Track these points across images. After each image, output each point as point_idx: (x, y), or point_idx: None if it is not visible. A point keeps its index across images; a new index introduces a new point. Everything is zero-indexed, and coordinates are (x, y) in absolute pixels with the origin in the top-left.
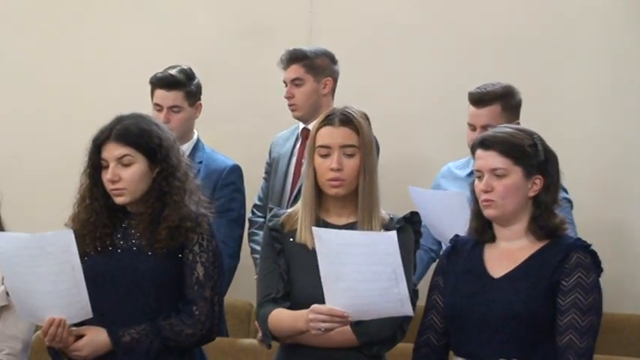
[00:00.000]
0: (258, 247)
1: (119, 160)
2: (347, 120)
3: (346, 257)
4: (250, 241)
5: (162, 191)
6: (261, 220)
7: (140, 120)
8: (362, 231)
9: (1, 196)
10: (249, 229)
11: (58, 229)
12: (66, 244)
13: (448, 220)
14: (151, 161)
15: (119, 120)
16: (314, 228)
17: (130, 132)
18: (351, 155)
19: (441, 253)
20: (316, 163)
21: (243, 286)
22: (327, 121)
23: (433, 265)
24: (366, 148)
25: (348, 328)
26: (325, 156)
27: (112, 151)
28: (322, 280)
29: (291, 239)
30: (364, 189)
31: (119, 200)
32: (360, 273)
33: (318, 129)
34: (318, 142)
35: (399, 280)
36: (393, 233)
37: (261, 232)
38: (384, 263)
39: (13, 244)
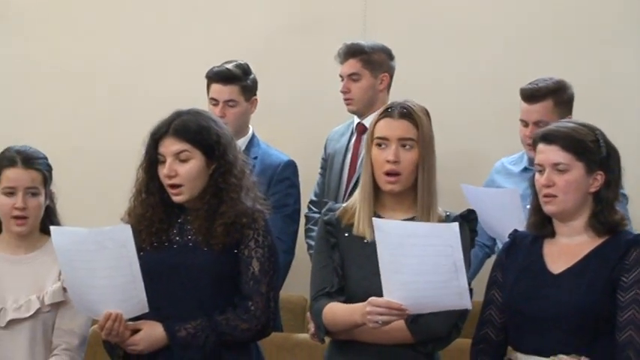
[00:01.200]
0: (313, 243)
1: (176, 155)
2: (407, 113)
3: (406, 249)
4: (307, 237)
5: (219, 188)
6: (318, 215)
7: (198, 116)
8: (422, 222)
9: (57, 191)
10: (306, 225)
11: (114, 224)
12: (123, 239)
13: (501, 217)
14: (208, 158)
15: (177, 115)
16: (374, 219)
17: (189, 128)
18: (408, 149)
19: (500, 248)
20: (373, 155)
21: (298, 282)
22: (387, 113)
23: (488, 262)
24: (425, 142)
25: (403, 324)
26: (382, 148)
27: (170, 146)
28: (381, 272)
29: (347, 234)
30: (423, 184)
31: (178, 199)
32: (420, 265)
33: (377, 121)
34: (376, 134)
35: (459, 273)
36: (455, 225)
37: (316, 228)
38: (444, 255)
39: (71, 238)
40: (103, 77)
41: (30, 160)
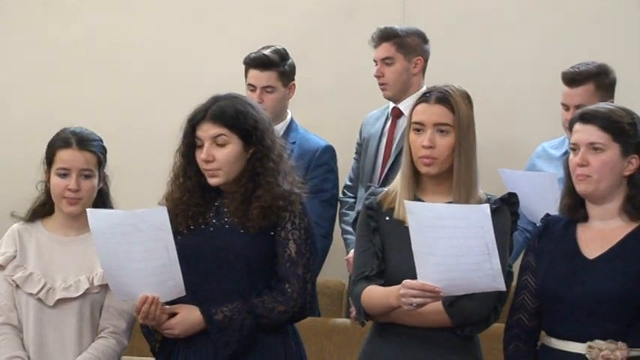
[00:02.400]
0: (348, 228)
1: (214, 139)
2: (443, 98)
3: (438, 231)
4: (341, 222)
5: (256, 172)
6: (352, 200)
7: (236, 101)
8: (454, 204)
9: (111, 174)
10: (340, 209)
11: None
12: (160, 222)
13: (539, 200)
14: (245, 142)
15: (215, 100)
16: (406, 202)
17: (226, 112)
18: (445, 133)
19: (533, 233)
20: (411, 140)
21: (336, 266)
22: (424, 98)
23: None
24: (462, 127)
25: (441, 307)
26: (419, 132)
27: (207, 130)
28: (414, 254)
29: (387, 218)
30: (460, 168)
31: (213, 181)
32: (452, 247)
33: (414, 106)
34: (413, 119)
35: (492, 255)
36: (486, 206)
37: (350, 213)
38: (476, 237)
39: (107, 221)
40: (143, 63)
41: (85, 141)
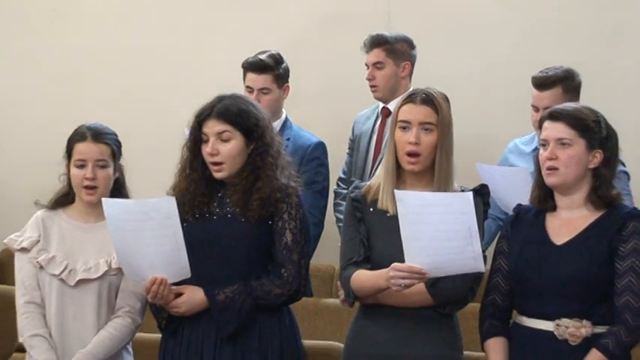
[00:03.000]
0: (341, 216)
1: (219, 135)
2: (428, 99)
3: (425, 217)
4: (336, 211)
5: (257, 166)
6: (345, 191)
7: (239, 100)
8: (438, 192)
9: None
10: (335, 199)
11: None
12: (168, 210)
13: (513, 193)
14: (247, 138)
15: (220, 99)
16: (396, 191)
17: (230, 111)
18: (428, 132)
19: (505, 221)
20: (396, 137)
21: (327, 252)
22: (410, 99)
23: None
24: (444, 126)
25: (423, 288)
26: (405, 130)
27: (213, 127)
28: (402, 239)
29: (371, 209)
30: (440, 164)
31: (219, 176)
32: (438, 232)
33: (400, 105)
34: (400, 117)
35: (474, 238)
36: (469, 194)
37: (344, 203)
38: (459, 222)
39: (120, 209)
40: (150, 67)
41: (99, 135)
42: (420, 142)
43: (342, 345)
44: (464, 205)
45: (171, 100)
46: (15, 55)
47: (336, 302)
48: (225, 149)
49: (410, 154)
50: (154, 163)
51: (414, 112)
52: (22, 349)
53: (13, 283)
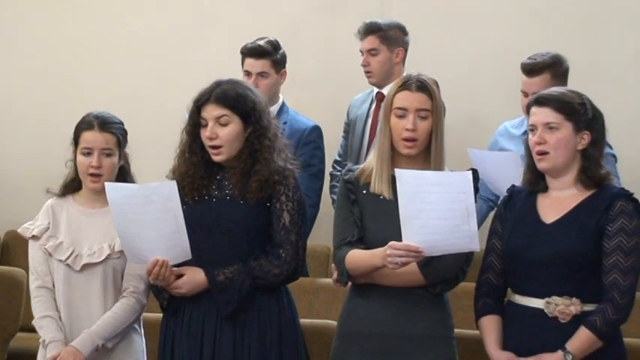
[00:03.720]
0: None
1: (217, 119)
2: (423, 86)
3: (424, 196)
4: (332, 193)
5: (254, 149)
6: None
7: (237, 85)
8: (439, 172)
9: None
10: (331, 182)
11: (160, 180)
12: (169, 194)
13: (504, 176)
14: (245, 122)
15: (218, 84)
16: (396, 169)
17: (228, 95)
18: (424, 118)
19: (499, 202)
20: (392, 123)
21: (322, 233)
22: (405, 86)
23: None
24: (438, 112)
25: (416, 268)
26: (401, 117)
27: (212, 111)
28: (401, 217)
29: (365, 191)
30: (435, 148)
31: (217, 159)
32: (436, 210)
33: (395, 93)
34: (396, 105)
35: (471, 218)
36: (469, 173)
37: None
38: (458, 201)
39: (123, 193)
40: (149, 53)
41: (105, 124)
42: (417, 128)
43: (335, 323)
44: (463, 184)
45: (170, 86)
46: (14, 42)
47: (331, 282)
48: (223, 133)
49: (407, 140)
50: (153, 148)
51: (411, 100)
52: (27, 329)
53: (17, 265)
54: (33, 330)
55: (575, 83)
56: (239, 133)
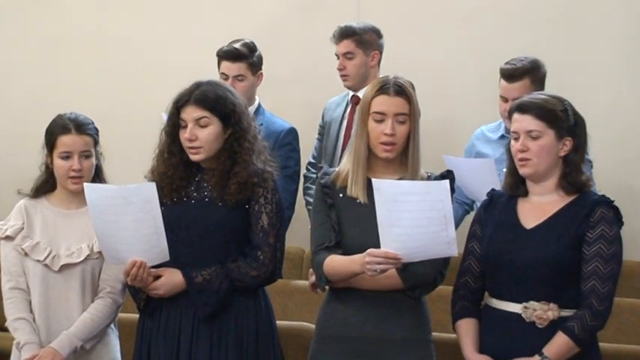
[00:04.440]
0: (311, 200)
1: (197, 121)
2: (401, 90)
3: (402, 205)
4: (305, 194)
5: (234, 151)
6: (315, 176)
7: (217, 87)
8: (416, 181)
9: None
10: (304, 183)
11: (135, 181)
12: (149, 195)
13: (480, 182)
14: (224, 124)
15: (197, 85)
16: (373, 179)
17: (208, 97)
18: (402, 122)
19: (479, 205)
20: (370, 127)
21: (296, 235)
22: (383, 90)
23: (467, 217)
24: (415, 115)
25: (394, 272)
26: (379, 121)
27: (191, 113)
28: (379, 225)
29: (341, 195)
30: (413, 151)
31: (195, 158)
32: (414, 219)
33: (373, 96)
34: (374, 109)
35: (449, 224)
36: (446, 182)
37: (314, 187)
38: (435, 209)
39: (101, 194)
40: (125, 53)
41: (82, 126)
42: (396, 132)
43: (312, 325)
44: (440, 193)
45: (146, 86)
46: None
47: (305, 284)
48: (203, 134)
49: (385, 144)
50: (129, 147)
51: (389, 104)
52: (4, 329)
53: None
54: (6, 329)
55: (552, 86)
56: (218, 134)
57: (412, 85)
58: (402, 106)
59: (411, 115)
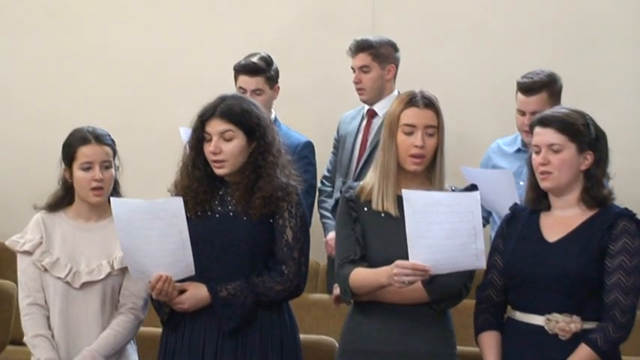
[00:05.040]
0: (327, 213)
1: (221, 134)
2: (430, 103)
3: (432, 216)
4: (320, 207)
5: (258, 165)
6: (330, 189)
7: (241, 101)
8: (446, 192)
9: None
10: (319, 197)
11: (148, 193)
12: (175, 210)
13: (497, 194)
14: (249, 138)
15: (222, 99)
16: (404, 190)
17: (233, 110)
18: (431, 135)
19: (496, 218)
20: (399, 140)
21: (311, 248)
22: (412, 103)
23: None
24: (442, 128)
25: (419, 285)
26: (409, 134)
27: (216, 126)
28: (408, 237)
29: (366, 209)
30: (440, 165)
31: (219, 172)
32: (443, 230)
33: (402, 109)
34: (404, 121)
35: (478, 237)
36: (477, 193)
37: (329, 200)
38: (466, 220)
39: (128, 208)
40: (140, 67)
41: (100, 136)
42: (425, 145)
43: (331, 339)
44: (470, 205)
45: (161, 100)
46: (5, 54)
47: (322, 297)
48: (227, 148)
49: (414, 156)
50: (143, 160)
51: (419, 117)
52: (16, 342)
53: (5, 278)
54: (22, 343)
55: (566, 99)
56: (243, 148)
57: (437, 99)
58: (431, 118)
59: (439, 128)
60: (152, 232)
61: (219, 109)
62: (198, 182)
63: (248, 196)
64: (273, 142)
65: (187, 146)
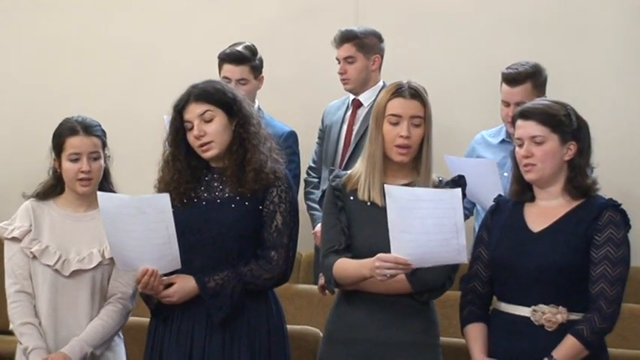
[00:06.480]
0: (314, 205)
1: (201, 116)
2: (416, 94)
3: (414, 211)
4: (307, 199)
5: (242, 138)
6: (316, 180)
7: (212, 81)
8: (428, 188)
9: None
10: (305, 188)
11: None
12: (162, 206)
13: (481, 184)
14: (229, 114)
15: (194, 86)
16: (386, 185)
17: (207, 91)
18: (417, 125)
19: (480, 209)
20: (385, 130)
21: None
22: (399, 93)
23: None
24: (429, 119)
25: (403, 276)
26: (395, 124)
27: (194, 110)
28: (390, 231)
29: (352, 198)
30: (426, 156)
31: (208, 155)
32: (425, 225)
33: (389, 100)
34: (389, 111)
35: (459, 232)
36: (458, 190)
37: (315, 191)
38: (447, 216)
39: (115, 203)
40: (124, 58)
41: (89, 127)
42: (411, 135)
43: (316, 329)
44: (452, 201)
45: (146, 90)
46: None
47: (305, 287)
48: (210, 129)
49: (400, 146)
50: (130, 151)
51: (405, 107)
52: (6, 332)
53: None
54: (8, 332)
55: (552, 91)
56: (226, 125)
57: (425, 89)
58: (417, 109)
59: (425, 119)
60: (138, 227)
61: (194, 94)
62: (179, 173)
63: (240, 173)
64: (252, 114)
65: (165, 143)
